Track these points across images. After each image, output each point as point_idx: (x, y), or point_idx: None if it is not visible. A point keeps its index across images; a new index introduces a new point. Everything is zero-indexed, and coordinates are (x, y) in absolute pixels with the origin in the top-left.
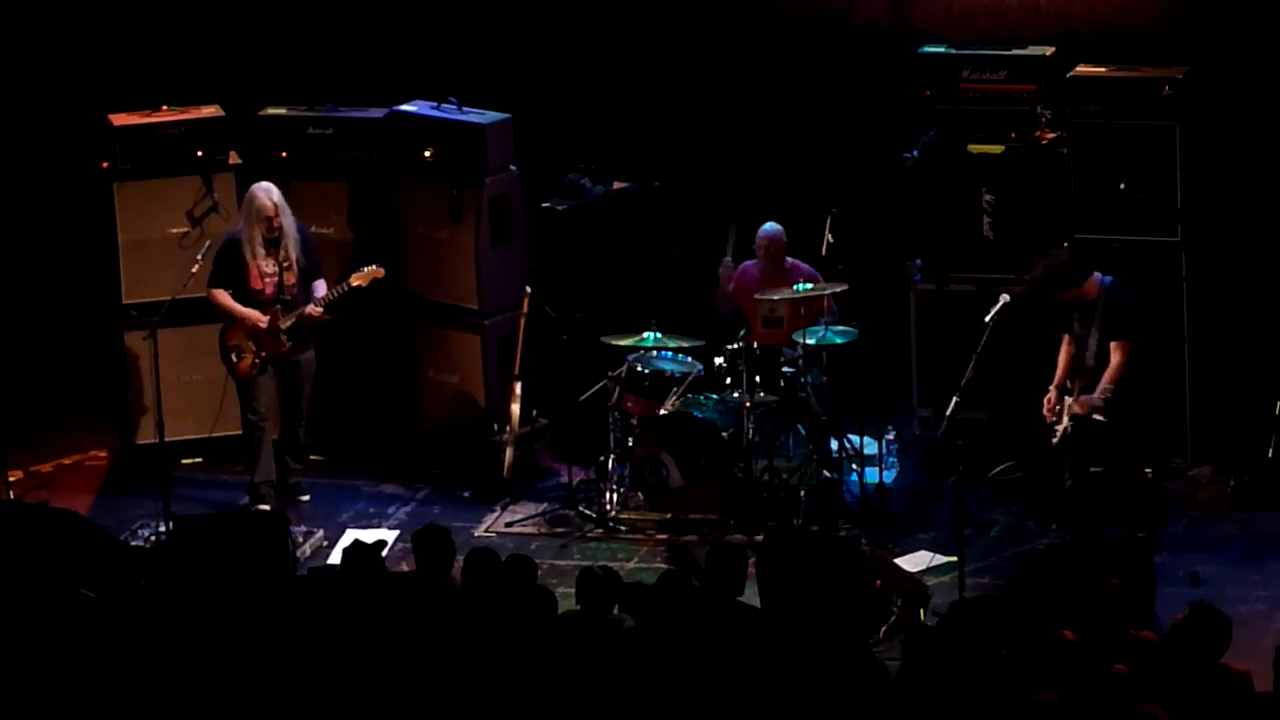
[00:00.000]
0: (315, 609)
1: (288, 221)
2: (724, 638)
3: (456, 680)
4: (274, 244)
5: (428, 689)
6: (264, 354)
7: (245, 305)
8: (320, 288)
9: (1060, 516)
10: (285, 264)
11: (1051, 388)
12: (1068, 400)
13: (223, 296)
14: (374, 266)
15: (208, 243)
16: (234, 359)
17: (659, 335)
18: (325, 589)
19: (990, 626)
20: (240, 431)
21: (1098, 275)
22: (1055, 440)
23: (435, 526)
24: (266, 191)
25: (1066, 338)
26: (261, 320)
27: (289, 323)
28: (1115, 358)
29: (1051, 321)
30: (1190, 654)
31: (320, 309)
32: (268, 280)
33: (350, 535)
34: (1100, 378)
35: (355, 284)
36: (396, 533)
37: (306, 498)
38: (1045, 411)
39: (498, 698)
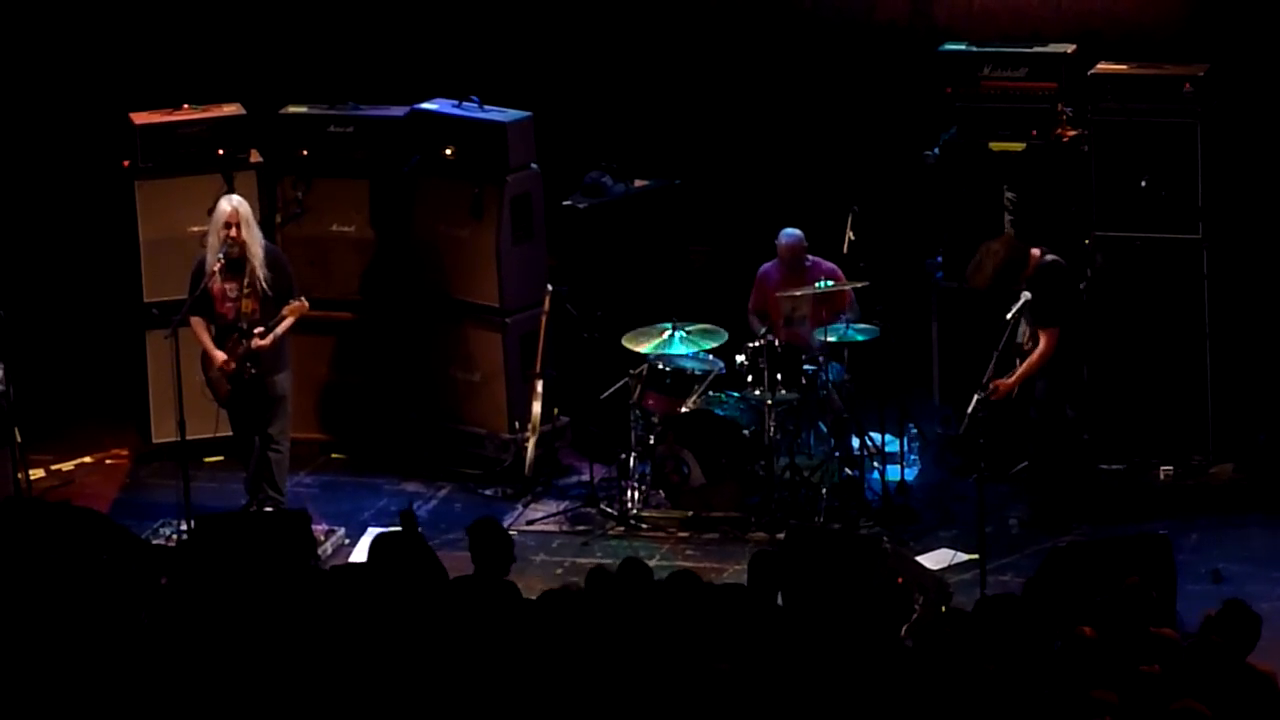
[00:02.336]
0: (339, 606)
1: (251, 236)
2: (753, 636)
3: (474, 674)
4: (237, 265)
5: (445, 685)
6: (232, 383)
7: (214, 327)
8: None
9: (1076, 515)
10: (247, 289)
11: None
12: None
13: (199, 329)
14: (300, 300)
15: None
16: (214, 388)
17: (683, 334)
18: (355, 584)
19: (1013, 624)
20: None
21: (1035, 252)
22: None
23: (490, 520)
24: (231, 201)
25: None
26: (228, 364)
27: (245, 350)
28: (1040, 344)
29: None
30: (1214, 653)
31: (266, 341)
32: (229, 305)
33: (372, 533)
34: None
35: (288, 320)
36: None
37: None
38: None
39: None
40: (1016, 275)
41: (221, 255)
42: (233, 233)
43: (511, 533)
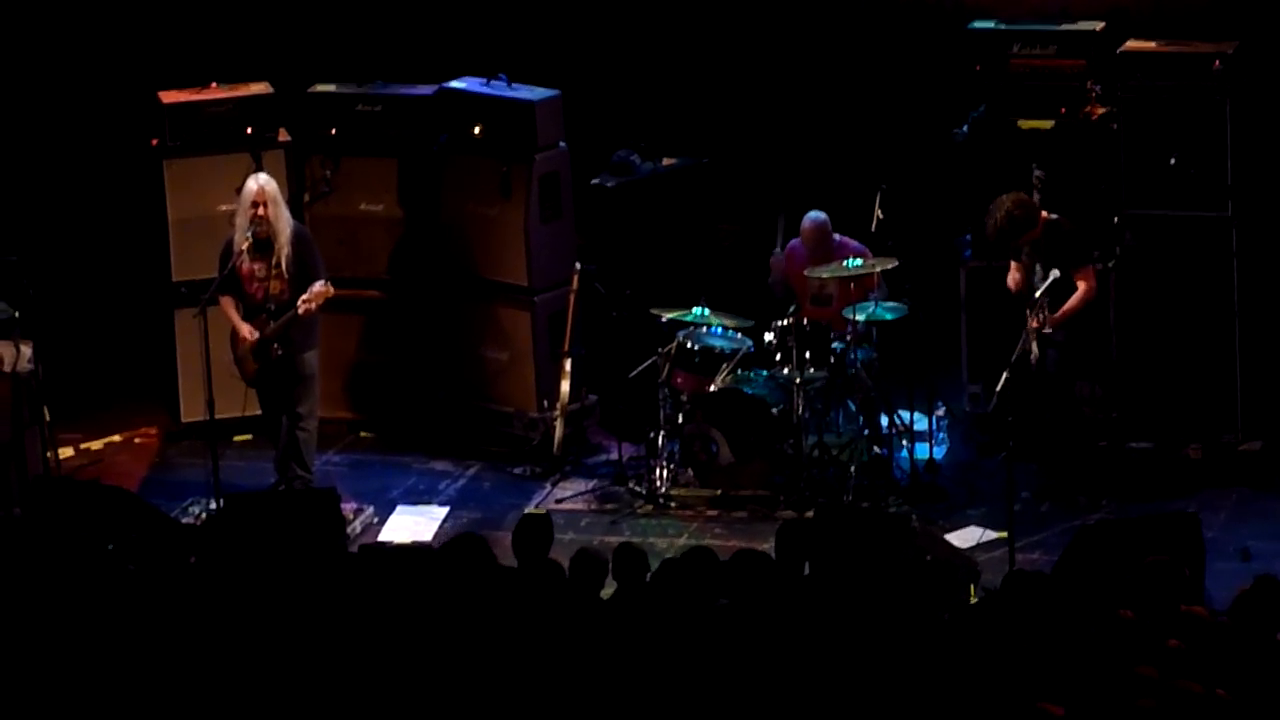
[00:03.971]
0: (370, 588)
1: (278, 215)
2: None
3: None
4: (264, 245)
5: (468, 673)
6: (259, 362)
7: (243, 306)
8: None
9: (1096, 488)
10: (275, 270)
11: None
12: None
13: (228, 307)
14: (325, 285)
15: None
16: (240, 367)
17: (707, 313)
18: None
19: (1043, 602)
20: None
21: (1044, 214)
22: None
23: (537, 514)
24: (258, 180)
25: (1014, 264)
26: (250, 336)
27: (273, 330)
28: (1080, 288)
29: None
30: (1245, 630)
31: (313, 305)
32: (257, 285)
33: (400, 512)
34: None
35: (314, 305)
36: (447, 509)
37: None
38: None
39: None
40: (1021, 230)
41: (249, 235)
42: (260, 211)
43: (540, 511)
